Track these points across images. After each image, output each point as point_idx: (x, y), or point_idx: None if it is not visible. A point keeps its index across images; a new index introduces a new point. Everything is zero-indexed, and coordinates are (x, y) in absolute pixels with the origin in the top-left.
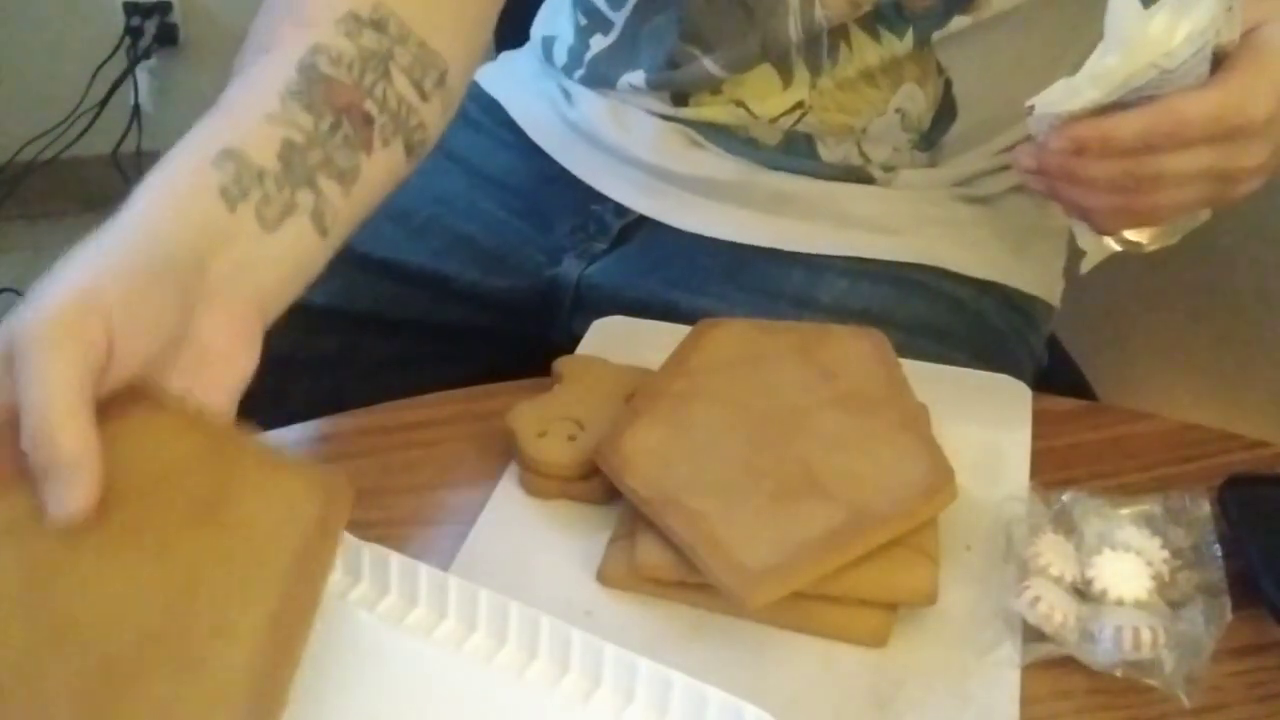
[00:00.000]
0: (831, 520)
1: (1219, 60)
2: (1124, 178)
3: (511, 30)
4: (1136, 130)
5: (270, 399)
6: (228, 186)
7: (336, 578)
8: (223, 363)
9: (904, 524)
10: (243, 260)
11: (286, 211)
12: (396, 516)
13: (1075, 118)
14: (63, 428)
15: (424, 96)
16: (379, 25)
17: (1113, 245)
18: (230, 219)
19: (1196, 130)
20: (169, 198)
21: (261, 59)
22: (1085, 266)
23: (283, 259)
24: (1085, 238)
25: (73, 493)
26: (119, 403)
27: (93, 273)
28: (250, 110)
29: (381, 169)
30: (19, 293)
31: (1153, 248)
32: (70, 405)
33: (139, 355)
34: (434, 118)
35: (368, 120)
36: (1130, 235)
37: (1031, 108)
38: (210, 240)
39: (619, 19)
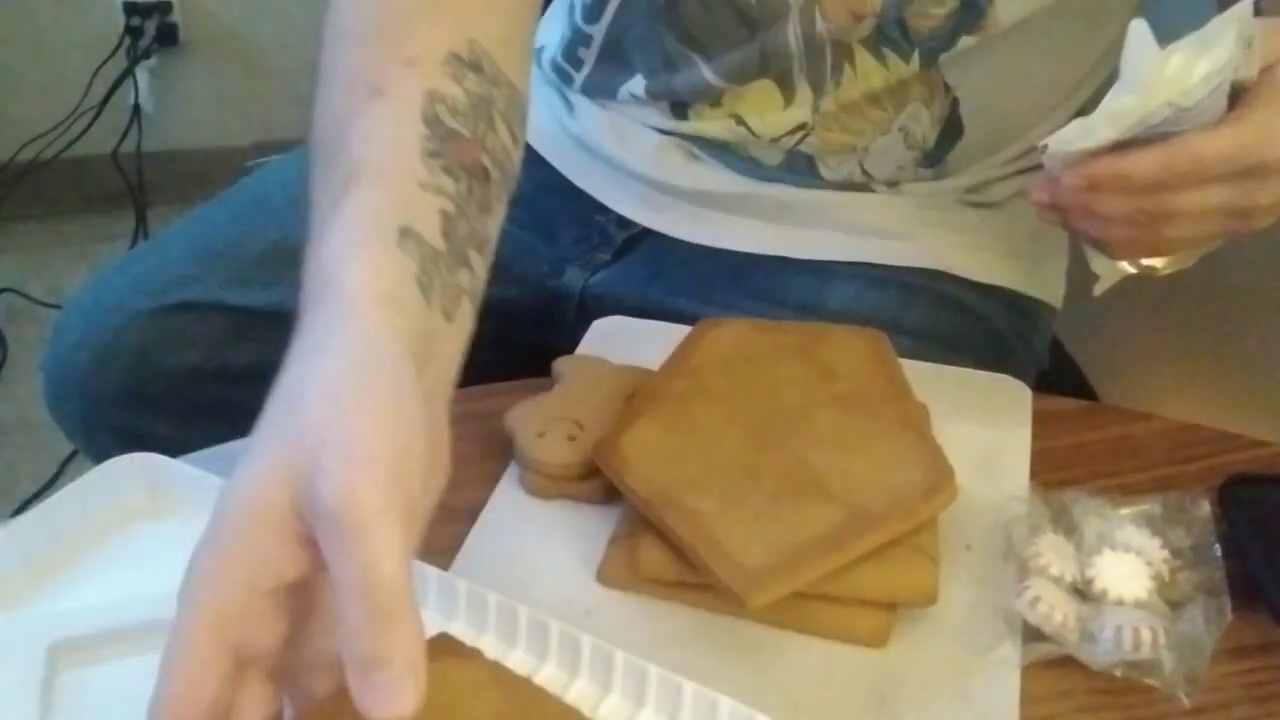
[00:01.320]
0: (831, 520)
1: (1236, 95)
2: (1138, 215)
3: None
4: (1152, 168)
5: None
6: (420, 276)
7: None
8: (440, 473)
9: (904, 524)
10: (442, 361)
11: (457, 297)
12: None
13: (1090, 154)
14: (403, 617)
15: (515, 141)
16: (477, 66)
17: (1127, 268)
18: (429, 315)
19: (1213, 169)
20: (383, 301)
21: (377, 105)
22: (1099, 290)
23: (457, 352)
24: (1099, 262)
25: (405, 696)
26: (434, 649)
27: (375, 423)
28: (404, 176)
29: (497, 228)
30: (19, 293)
31: (1167, 271)
32: (408, 589)
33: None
34: (520, 159)
35: (487, 177)
36: (1144, 260)
37: (1045, 146)
38: (424, 345)
39: (597, 33)
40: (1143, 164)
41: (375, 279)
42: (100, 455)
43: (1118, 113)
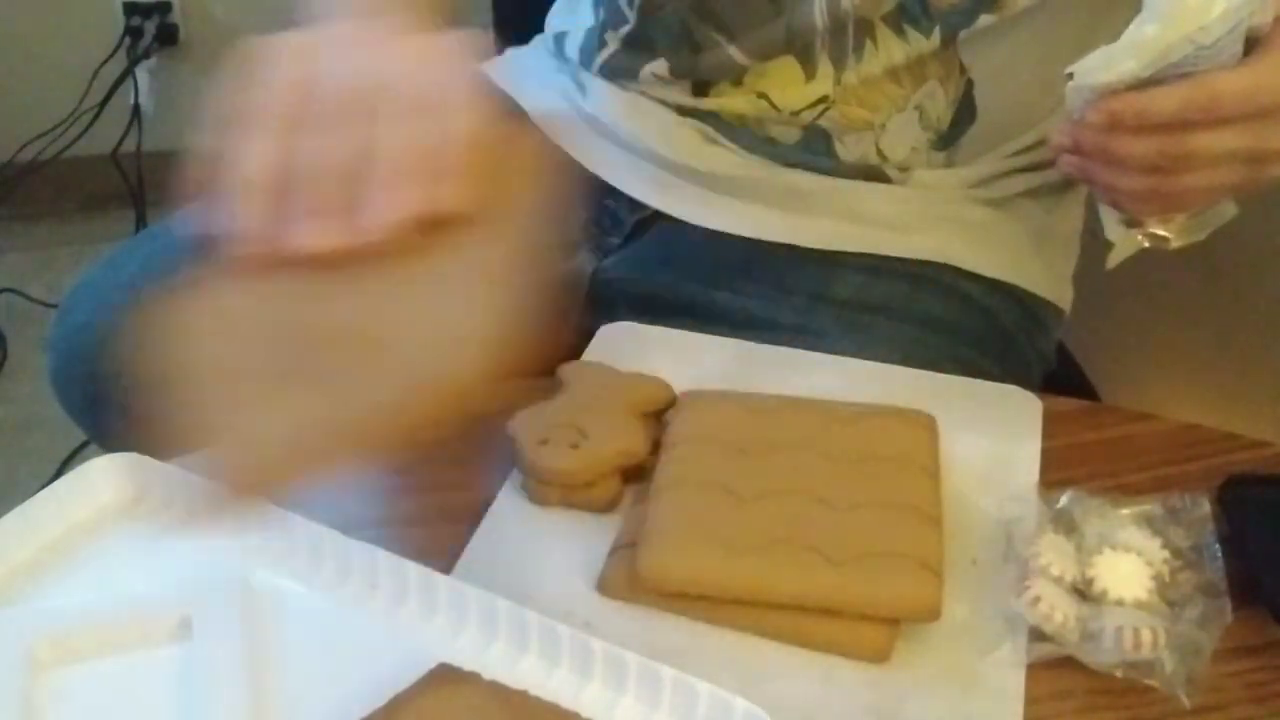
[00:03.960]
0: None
1: (1251, 43)
2: (1158, 157)
3: (516, 27)
4: (1172, 105)
5: None
6: None
7: (355, 585)
8: None
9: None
10: None
11: None
12: (396, 517)
13: (1112, 91)
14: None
15: None
16: None
17: (1140, 240)
18: None
19: (1231, 107)
20: None
21: None
22: (1112, 261)
23: None
24: (1114, 230)
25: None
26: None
27: None
28: None
29: None
30: (19, 293)
31: (1178, 244)
32: None
33: None
34: None
35: None
36: (1158, 230)
37: (1070, 76)
38: None
39: (632, 14)
40: (1163, 100)
41: None
42: (105, 436)
43: (1140, 42)
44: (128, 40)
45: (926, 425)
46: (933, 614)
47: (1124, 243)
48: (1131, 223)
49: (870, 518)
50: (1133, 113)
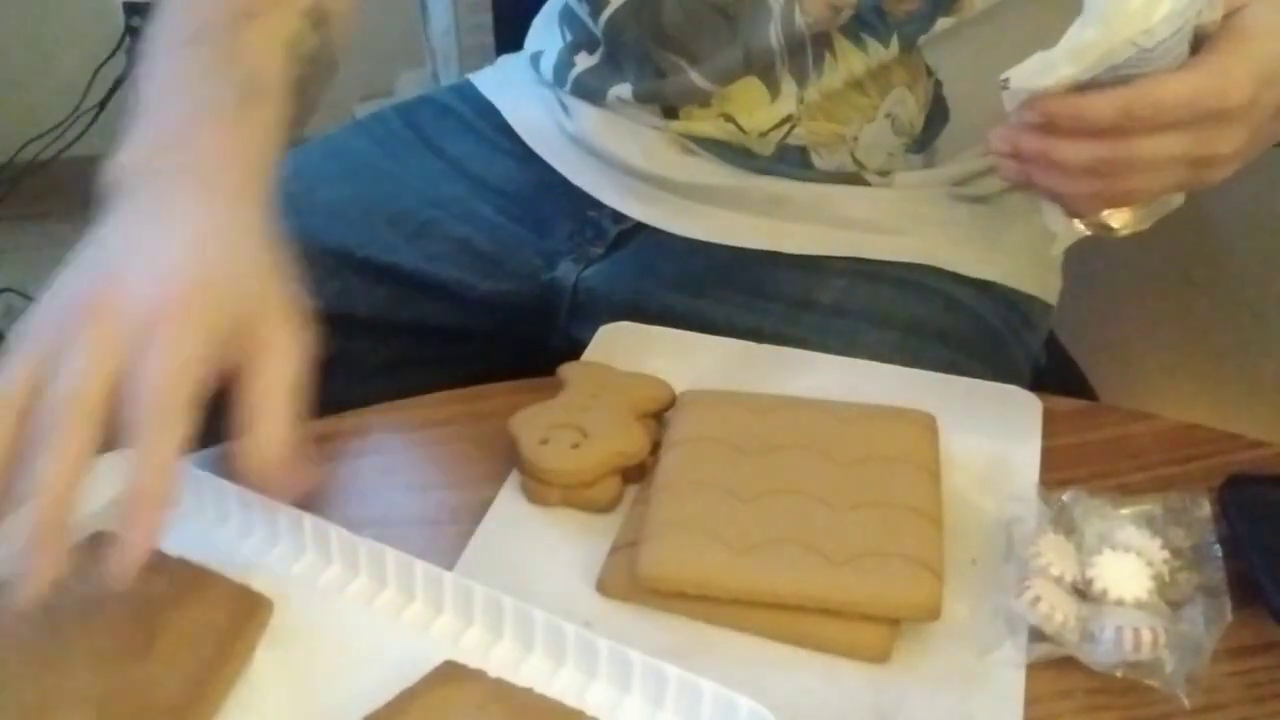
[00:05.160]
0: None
1: (1199, 41)
2: (1098, 163)
3: (511, 34)
4: (1110, 110)
5: None
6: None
7: (362, 582)
8: None
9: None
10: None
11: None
12: (396, 516)
13: (1049, 95)
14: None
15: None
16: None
17: (1082, 229)
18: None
19: (1172, 114)
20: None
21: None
22: (1056, 249)
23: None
24: (1055, 221)
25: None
26: (437, 679)
27: None
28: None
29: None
30: (19, 293)
31: (1124, 233)
32: None
33: None
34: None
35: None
36: (1103, 218)
37: (1006, 81)
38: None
39: (599, 36)
40: (1101, 104)
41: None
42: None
43: (1080, 48)
44: (128, 40)
45: (927, 425)
46: (933, 614)
47: (1066, 232)
48: (1073, 212)
49: (870, 518)
50: (1069, 115)
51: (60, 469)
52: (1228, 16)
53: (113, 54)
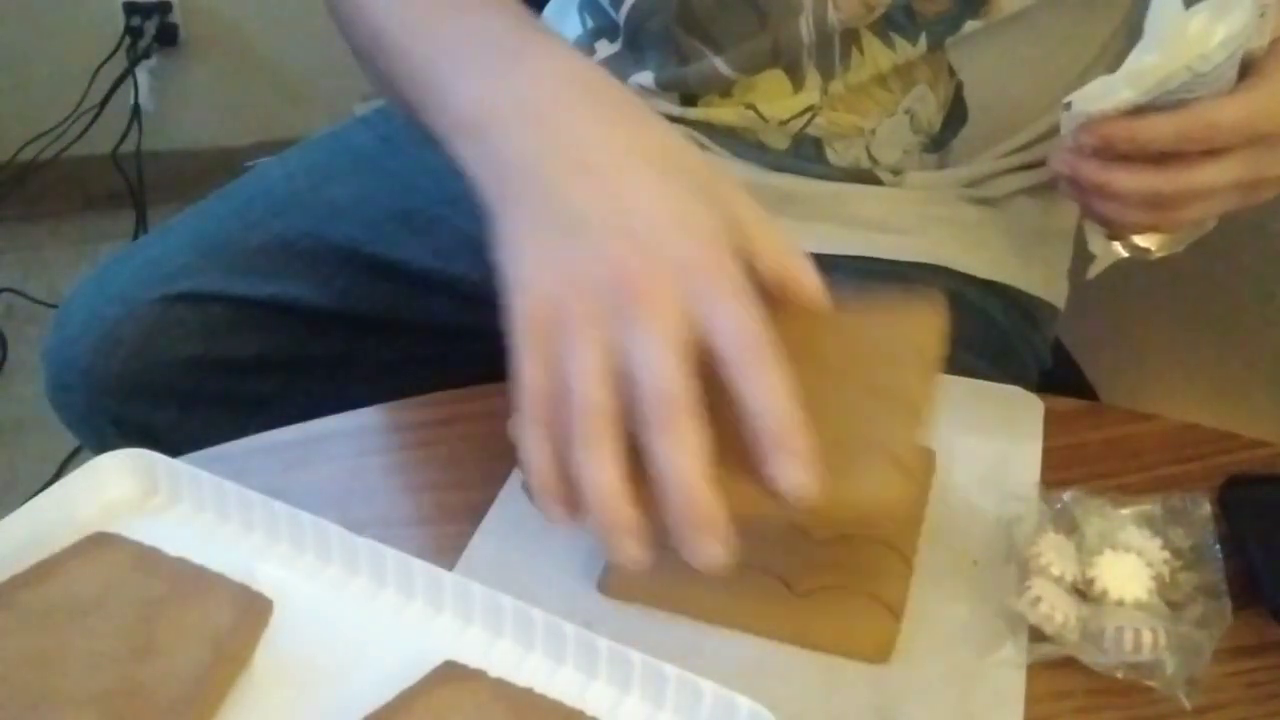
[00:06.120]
0: None
1: (1246, 67)
2: (1155, 196)
3: None
4: (1167, 132)
5: (274, 399)
6: None
7: (362, 582)
8: None
9: None
10: None
11: None
12: (396, 516)
13: (1107, 118)
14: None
15: None
16: None
17: (1121, 251)
18: None
19: (1226, 135)
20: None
21: None
22: (1093, 271)
23: None
24: (1097, 242)
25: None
26: (437, 678)
27: None
28: None
29: None
30: (19, 293)
31: (1160, 254)
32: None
33: None
34: None
35: None
36: (1140, 241)
37: (1069, 103)
38: None
39: (621, 22)
40: (1157, 127)
41: None
42: (101, 446)
43: (1139, 71)
44: (128, 40)
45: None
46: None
47: (1106, 254)
48: (1114, 235)
49: (860, 400)
50: (1126, 137)
51: (692, 462)
52: (1275, 42)
53: (113, 54)
